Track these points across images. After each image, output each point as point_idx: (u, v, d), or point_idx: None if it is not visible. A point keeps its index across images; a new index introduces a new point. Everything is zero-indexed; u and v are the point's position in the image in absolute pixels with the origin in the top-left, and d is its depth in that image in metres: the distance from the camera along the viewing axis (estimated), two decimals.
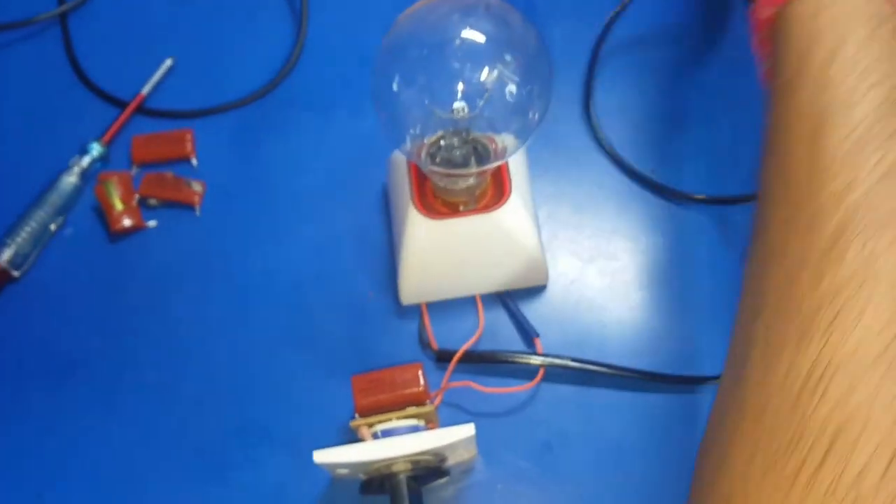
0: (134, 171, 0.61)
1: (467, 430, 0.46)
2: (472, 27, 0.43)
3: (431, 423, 0.50)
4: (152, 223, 0.59)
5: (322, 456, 0.46)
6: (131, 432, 0.54)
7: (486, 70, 0.42)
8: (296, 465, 0.52)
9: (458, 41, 0.42)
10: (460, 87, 0.42)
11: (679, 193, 0.59)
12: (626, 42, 0.65)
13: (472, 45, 0.42)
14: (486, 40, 0.42)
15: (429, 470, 0.48)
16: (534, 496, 0.51)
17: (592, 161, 0.60)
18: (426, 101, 0.43)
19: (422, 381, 0.49)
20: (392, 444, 0.46)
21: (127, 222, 0.58)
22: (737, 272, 0.56)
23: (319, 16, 0.66)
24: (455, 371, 0.53)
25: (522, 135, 0.44)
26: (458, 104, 0.43)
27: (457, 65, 0.42)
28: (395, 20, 0.45)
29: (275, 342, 0.56)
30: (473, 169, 0.45)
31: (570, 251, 0.58)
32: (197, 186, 0.60)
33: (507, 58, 0.42)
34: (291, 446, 0.52)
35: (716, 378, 0.53)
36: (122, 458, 0.53)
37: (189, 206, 0.59)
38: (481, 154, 0.46)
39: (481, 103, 0.43)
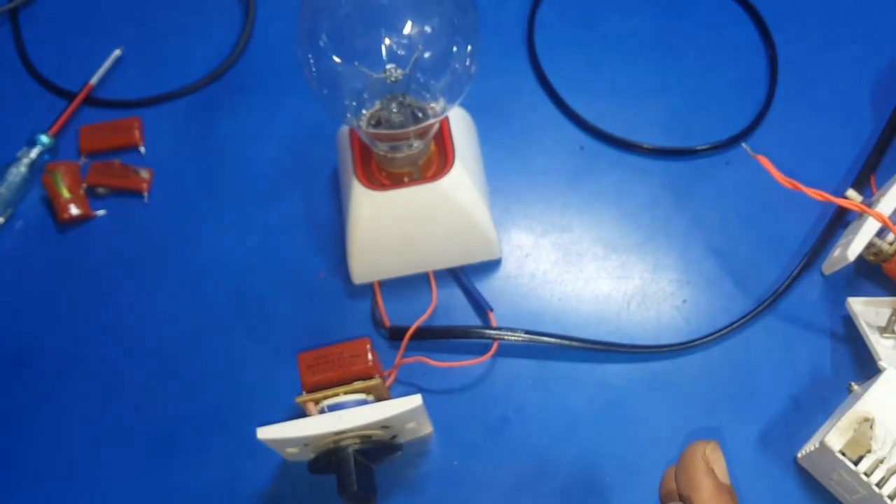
0: (82, 160, 0.60)
1: (413, 400, 0.45)
2: None
3: (383, 400, 0.49)
4: (101, 212, 0.58)
5: (265, 432, 0.45)
6: (82, 420, 0.53)
7: (409, 25, 0.41)
8: (247, 449, 0.51)
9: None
10: (387, 42, 0.41)
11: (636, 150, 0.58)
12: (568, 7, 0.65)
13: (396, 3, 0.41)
14: None
15: (380, 444, 0.47)
16: (490, 471, 0.50)
17: (546, 136, 0.60)
18: (356, 63, 0.42)
19: (370, 356, 0.48)
20: (337, 418, 0.45)
21: (74, 211, 0.57)
22: (691, 236, 0.56)
23: None
24: (409, 349, 0.52)
25: (455, 92, 0.43)
26: (390, 65, 0.42)
27: (381, 24, 0.41)
28: None
29: (225, 327, 0.55)
30: (411, 127, 0.44)
31: (524, 226, 0.57)
32: (144, 174, 0.59)
33: (432, 13, 0.41)
34: (242, 430, 0.51)
35: (671, 346, 0.52)
36: (72, 447, 0.52)
37: (138, 194, 0.59)
38: (420, 119, 0.45)
39: (415, 56, 0.42)
